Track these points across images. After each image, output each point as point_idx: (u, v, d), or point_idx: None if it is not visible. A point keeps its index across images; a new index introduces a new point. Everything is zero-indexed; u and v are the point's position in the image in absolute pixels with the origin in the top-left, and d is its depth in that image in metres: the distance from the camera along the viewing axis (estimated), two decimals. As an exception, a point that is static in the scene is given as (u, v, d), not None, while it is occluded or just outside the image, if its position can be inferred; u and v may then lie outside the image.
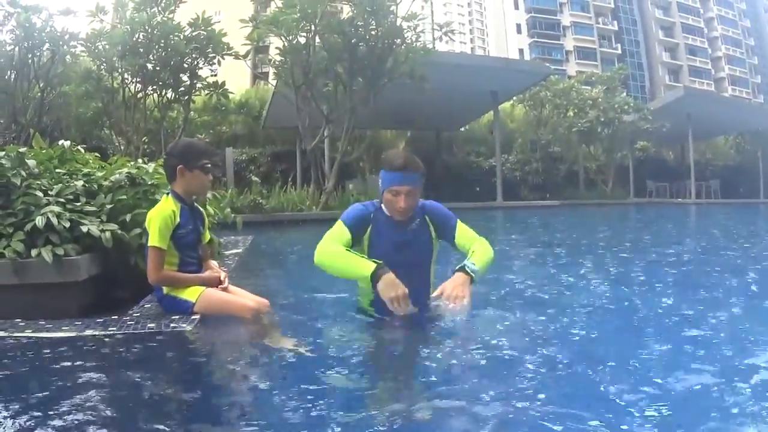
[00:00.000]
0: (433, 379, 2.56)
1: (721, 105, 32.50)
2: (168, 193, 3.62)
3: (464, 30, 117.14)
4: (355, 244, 3.66)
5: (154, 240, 3.38)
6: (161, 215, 3.42)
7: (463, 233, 3.80)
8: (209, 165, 3.63)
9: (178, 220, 3.48)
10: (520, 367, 2.66)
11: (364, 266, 3.30)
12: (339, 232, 3.61)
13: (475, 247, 3.68)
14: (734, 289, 5.13)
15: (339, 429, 2.00)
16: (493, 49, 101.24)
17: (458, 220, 3.86)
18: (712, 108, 29.83)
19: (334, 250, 3.46)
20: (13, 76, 14.69)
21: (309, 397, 2.27)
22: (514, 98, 28.81)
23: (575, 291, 4.77)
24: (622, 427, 1.99)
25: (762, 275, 5.87)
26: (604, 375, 2.55)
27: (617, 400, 2.23)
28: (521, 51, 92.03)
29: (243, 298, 3.53)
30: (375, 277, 3.22)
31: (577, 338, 3.22)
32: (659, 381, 2.43)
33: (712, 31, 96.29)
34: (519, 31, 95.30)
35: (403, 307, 3.13)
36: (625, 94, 32.90)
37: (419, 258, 3.79)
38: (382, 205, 3.76)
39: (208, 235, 3.90)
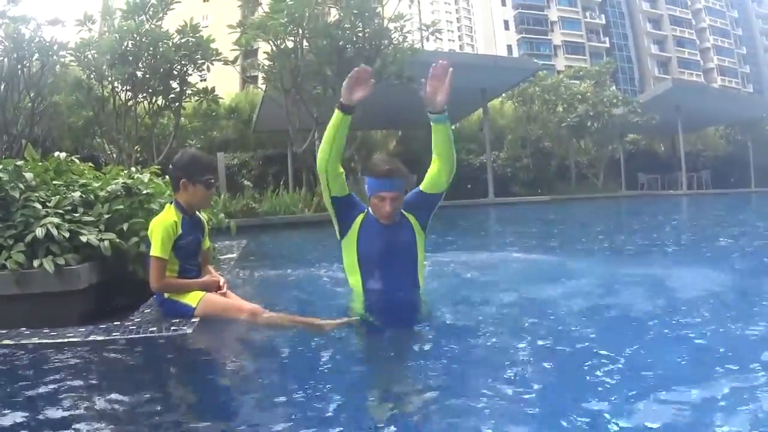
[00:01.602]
0: (426, 376, 2.61)
1: (709, 96, 32.64)
2: (171, 203, 3.73)
3: (452, 28, 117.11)
4: (345, 233, 3.96)
5: (156, 250, 3.49)
6: (163, 225, 3.53)
7: (424, 181, 4.02)
8: (212, 180, 3.74)
9: (179, 231, 3.59)
10: (513, 361, 2.73)
11: (334, 114, 3.73)
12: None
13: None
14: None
15: (339, 428, 2.07)
16: (481, 47, 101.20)
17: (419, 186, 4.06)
18: (701, 99, 29.98)
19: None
20: (2, 86, 14.68)
21: (308, 396, 2.34)
22: (504, 95, 28.90)
23: (567, 284, 4.82)
24: (616, 420, 2.00)
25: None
26: (600, 368, 2.56)
27: (612, 393, 2.26)
28: (509, 47, 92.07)
29: (241, 301, 3.65)
30: (340, 106, 3.69)
31: (572, 332, 3.26)
32: (655, 373, 2.48)
33: (700, 22, 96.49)
34: (507, 27, 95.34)
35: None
36: (614, 87, 33.04)
37: (402, 251, 3.95)
38: (369, 209, 3.95)
39: (208, 242, 4.00)
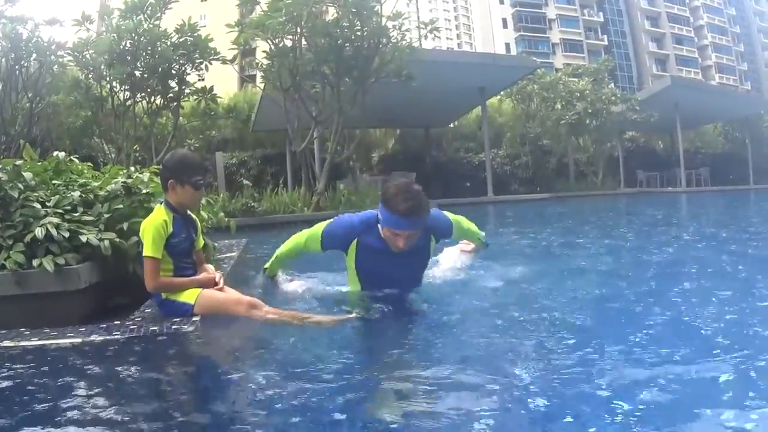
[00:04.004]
0: (427, 373, 2.60)
1: (708, 93, 32.70)
2: (161, 203, 3.72)
3: (450, 26, 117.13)
4: (345, 251, 3.93)
5: (148, 250, 3.48)
6: (153, 225, 3.52)
7: (462, 227, 4.12)
8: (201, 181, 3.72)
9: (170, 229, 3.57)
10: (515, 355, 2.74)
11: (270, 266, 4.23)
12: (311, 242, 3.99)
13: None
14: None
15: (338, 424, 2.07)
16: (479, 45, 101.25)
17: (452, 222, 4.05)
18: (700, 96, 30.00)
19: (281, 256, 4.25)
20: (0, 87, 14.64)
21: (309, 393, 2.34)
22: (502, 93, 28.89)
23: (568, 281, 4.81)
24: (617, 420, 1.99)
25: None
26: (598, 365, 2.56)
27: (612, 393, 2.23)
28: (507, 45, 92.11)
29: (239, 294, 3.66)
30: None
31: (572, 329, 3.26)
32: (654, 373, 2.42)
33: (698, 19, 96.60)
34: (505, 25, 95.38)
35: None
36: (612, 85, 33.02)
37: (410, 269, 3.90)
38: (379, 226, 3.73)
39: (201, 241, 3.98)
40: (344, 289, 4.18)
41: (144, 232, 3.54)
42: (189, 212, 3.85)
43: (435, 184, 23.36)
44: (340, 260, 4.15)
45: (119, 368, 2.76)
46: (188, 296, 3.55)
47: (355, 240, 3.82)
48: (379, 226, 3.68)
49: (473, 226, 4.41)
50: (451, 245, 4.93)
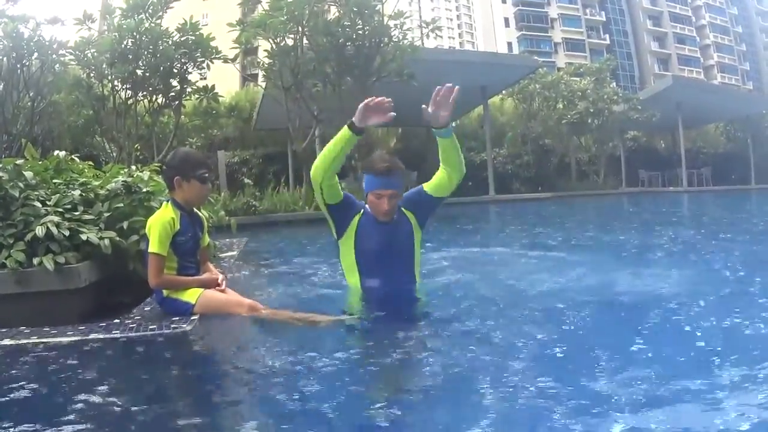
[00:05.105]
0: (425, 372, 2.60)
1: (710, 93, 32.66)
2: (168, 201, 3.73)
3: (452, 25, 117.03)
4: (342, 234, 4.00)
5: (154, 246, 3.49)
6: (161, 222, 3.53)
7: (430, 182, 4.10)
8: (206, 174, 3.74)
9: (178, 227, 3.59)
10: (513, 356, 2.73)
11: (342, 131, 3.74)
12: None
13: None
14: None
15: (335, 423, 2.08)
16: (481, 44, 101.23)
17: (420, 186, 4.15)
18: (702, 96, 29.97)
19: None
20: (2, 86, 14.60)
21: (306, 394, 2.35)
22: (504, 92, 28.86)
23: (569, 281, 4.81)
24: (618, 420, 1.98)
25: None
26: (599, 367, 2.54)
27: (613, 394, 2.22)
28: (509, 44, 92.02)
29: (240, 297, 3.66)
30: (351, 125, 3.71)
31: (571, 329, 3.25)
32: (654, 374, 2.41)
33: (700, 19, 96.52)
34: (507, 24, 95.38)
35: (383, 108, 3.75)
36: (614, 84, 32.99)
37: (401, 247, 4.00)
38: (366, 206, 3.98)
39: (207, 240, 4.00)
40: (342, 290, 4.21)
41: (151, 229, 3.55)
42: (195, 210, 3.86)
43: (436, 183, 23.30)
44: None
45: (117, 367, 2.77)
46: (190, 295, 3.56)
47: (359, 213, 3.99)
48: (366, 200, 3.96)
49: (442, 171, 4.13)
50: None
